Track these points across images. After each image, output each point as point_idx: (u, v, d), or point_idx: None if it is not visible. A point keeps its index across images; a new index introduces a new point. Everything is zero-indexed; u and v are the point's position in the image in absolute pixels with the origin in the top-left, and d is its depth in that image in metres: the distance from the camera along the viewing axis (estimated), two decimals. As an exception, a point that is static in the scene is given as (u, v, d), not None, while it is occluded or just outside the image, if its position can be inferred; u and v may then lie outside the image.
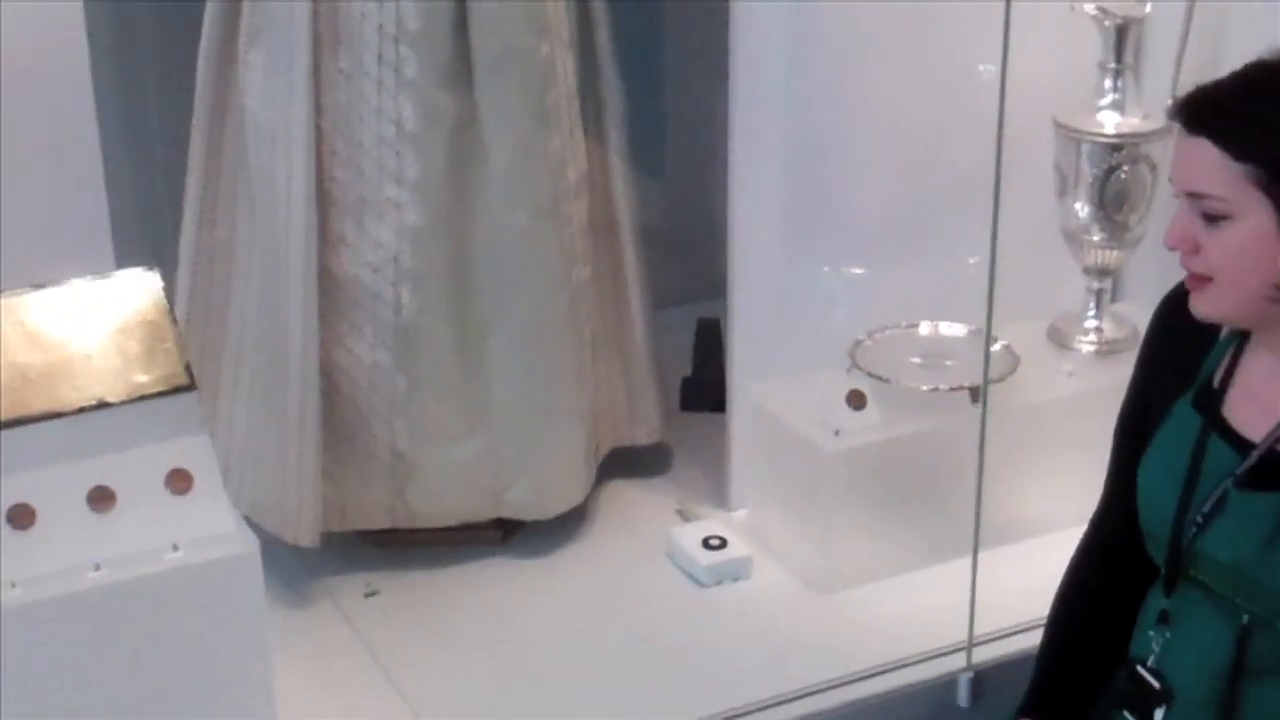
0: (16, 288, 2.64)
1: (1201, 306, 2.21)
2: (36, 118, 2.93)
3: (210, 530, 2.56)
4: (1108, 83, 3.23)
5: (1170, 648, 2.29)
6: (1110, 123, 3.22)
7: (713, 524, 3.32)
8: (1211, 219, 2.15)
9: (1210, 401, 2.26)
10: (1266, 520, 2.17)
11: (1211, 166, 2.14)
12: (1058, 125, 3.25)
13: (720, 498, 3.42)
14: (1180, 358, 2.32)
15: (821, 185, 3.32)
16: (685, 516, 3.38)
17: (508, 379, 3.16)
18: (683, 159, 4.06)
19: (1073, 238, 3.30)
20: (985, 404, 2.94)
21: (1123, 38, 3.20)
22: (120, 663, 2.50)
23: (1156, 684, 2.29)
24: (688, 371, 3.77)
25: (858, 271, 3.38)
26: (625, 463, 3.49)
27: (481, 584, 3.23)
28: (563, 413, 3.22)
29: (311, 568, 3.21)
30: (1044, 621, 2.47)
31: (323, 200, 3.03)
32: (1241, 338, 2.27)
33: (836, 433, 3.12)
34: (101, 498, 2.53)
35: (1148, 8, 3.23)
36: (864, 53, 3.27)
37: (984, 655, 2.94)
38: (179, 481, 2.57)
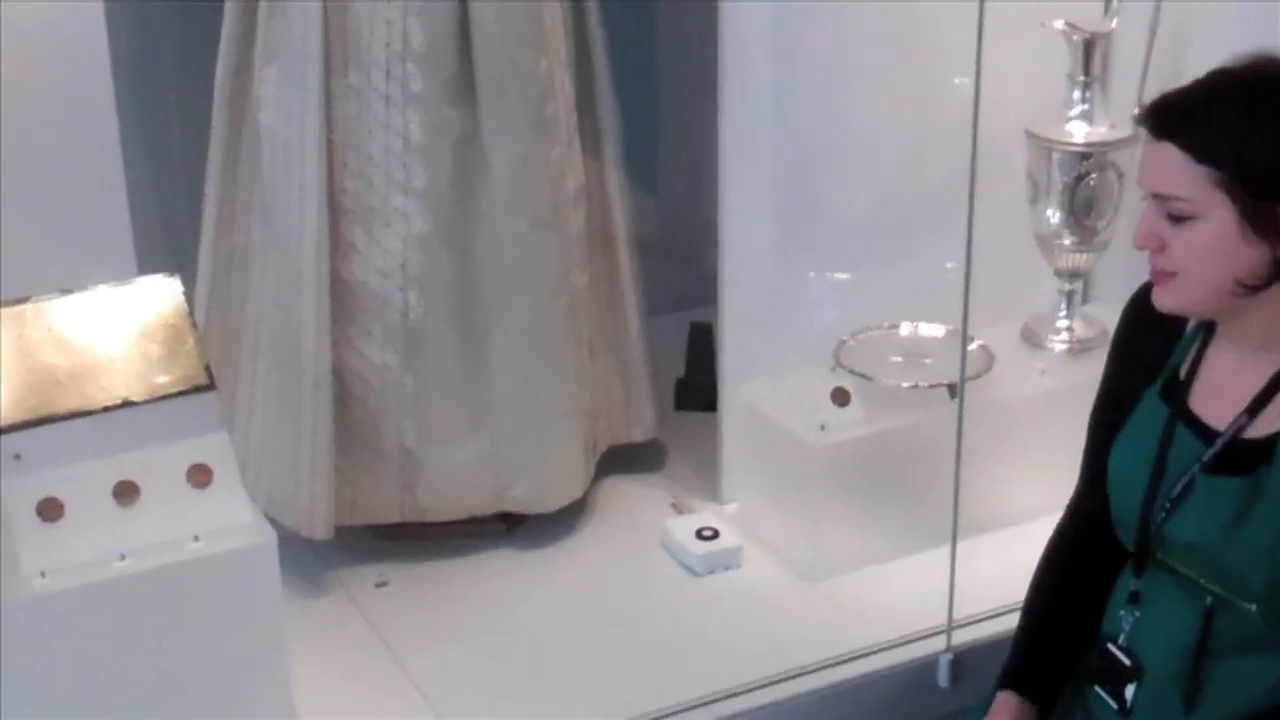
0: (45, 294, 2.63)
1: (1165, 299, 2.21)
2: (63, 134, 2.94)
3: (229, 522, 2.56)
4: (1076, 95, 3.23)
5: (1140, 627, 2.29)
6: (1079, 132, 3.22)
7: (705, 516, 3.32)
8: (1177, 219, 2.16)
9: (1177, 392, 2.26)
10: (1231, 504, 2.17)
11: (1176, 169, 2.14)
12: (1029, 135, 3.25)
13: (712, 491, 3.42)
14: (1148, 351, 2.32)
15: (806, 196, 3.32)
16: (679, 509, 3.38)
17: (510, 379, 3.16)
18: (675, 171, 4.06)
19: (1045, 242, 3.30)
20: (962, 400, 2.94)
21: (1090, 52, 3.20)
22: (144, 647, 2.49)
23: (1127, 661, 2.29)
24: (681, 373, 3.76)
25: (841, 276, 3.37)
26: (622, 459, 3.49)
27: (487, 575, 3.23)
28: (563, 412, 3.22)
29: (325, 560, 3.21)
30: (1020, 606, 2.46)
31: (334, 209, 3.03)
32: (1206, 332, 2.27)
33: (822, 428, 3.12)
34: (126, 491, 2.52)
35: (1114, 23, 3.23)
36: (846, 70, 3.27)
37: (963, 638, 2.94)
38: (199, 476, 2.56)
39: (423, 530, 3.26)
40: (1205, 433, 2.22)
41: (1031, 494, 3.10)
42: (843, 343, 3.25)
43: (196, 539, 2.52)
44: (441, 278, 3.09)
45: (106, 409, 2.55)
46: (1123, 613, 2.30)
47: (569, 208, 3.17)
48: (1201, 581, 2.22)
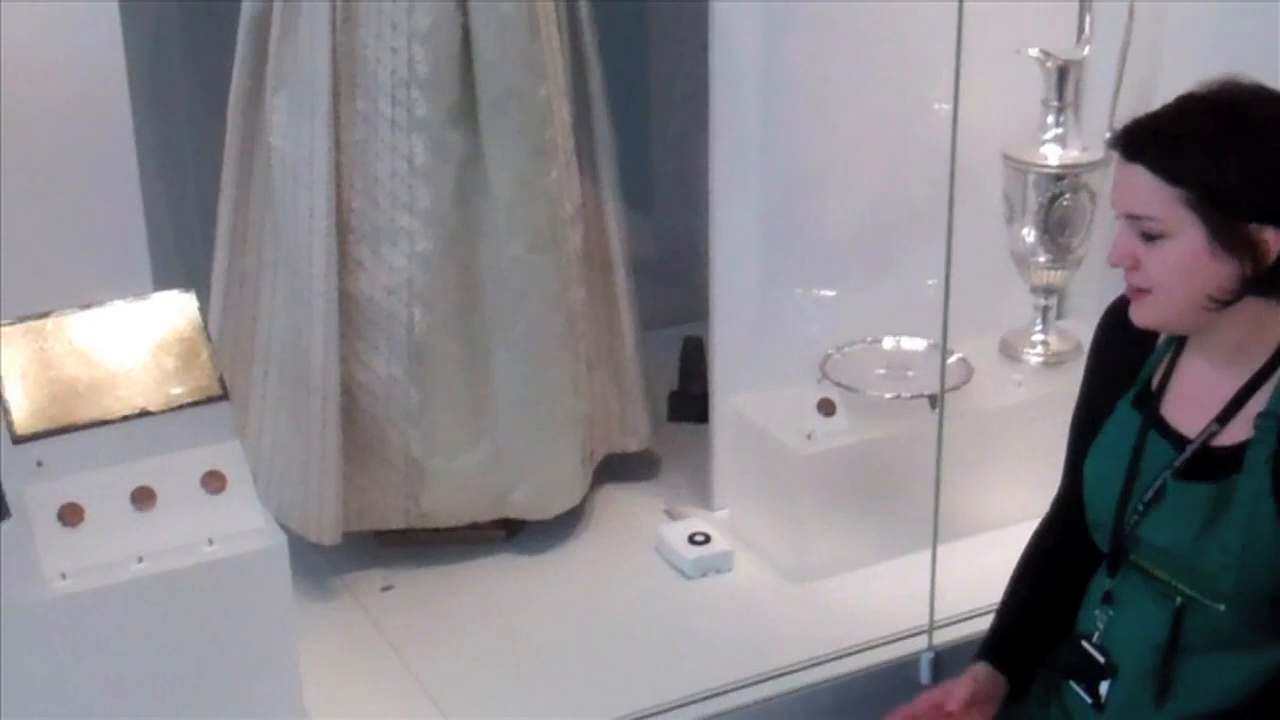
0: (65, 309, 2.63)
1: (1141, 315, 2.21)
2: (82, 157, 2.93)
3: (242, 526, 2.55)
4: (1051, 119, 3.23)
5: (1114, 625, 2.29)
6: (1053, 155, 3.23)
7: (697, 522, 3.31)
8: (1149, 238, 2.16)
9: (1149, 401, 2.27)
10: (1201, 509, 2.17)
11: (1148, 190, 2.15)
12: (1006, 158, 3.26)
13: (704, 498, 3.42)
14: (1122, 362, 2.32)
15: (793, 217, 3.32)
16: (672, 515, 3.38)
17: (511, 391, 3.16)
18: (668, 194, 4.07)
19: (1020, 260, 3.31)
20: (942, 411, 2.94)
21: (1064, 78, 3.21)
22: (160, 646, 2.49)
23: (1102, 658, 2.29)
24: (674, 385, 3.76)
25: (826, 293, 3.38)
26: (618, 468, 3.49)
27: (488, 578, 3.22)
28: (561, 422, 3.22)
29: (333, 565, 3.20)
30: (996, 608, 2.47)
31: (342, 229, 3.03)
32: (1178, 344, 2.28)
33: (809, 438, 3.12)
34: (143, 497, 2.52)
35: (1086, 51, 3.24)
36: (830, 99, 3.27)
37: (943, 637, 2.93)
38: (213, 482, 2.56)
39: (427, 536, 3.26)
40: (1177, 440, 2.22)
41: (1009, 500, 3.10)
42: (828, 356, 3.25)
43: (211, 543, 2.52)
44: (445, 294, 3.09)
45: (125, 418, 2.55)
46: (1097, 612, 2.31)
47: (567, 228, 3.18)
48: (1172, 582, 2.23)
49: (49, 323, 2.61)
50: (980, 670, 2.37)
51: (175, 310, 2.68)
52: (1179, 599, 2.22)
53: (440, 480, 3.18)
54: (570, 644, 3.02)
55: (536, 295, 3.13)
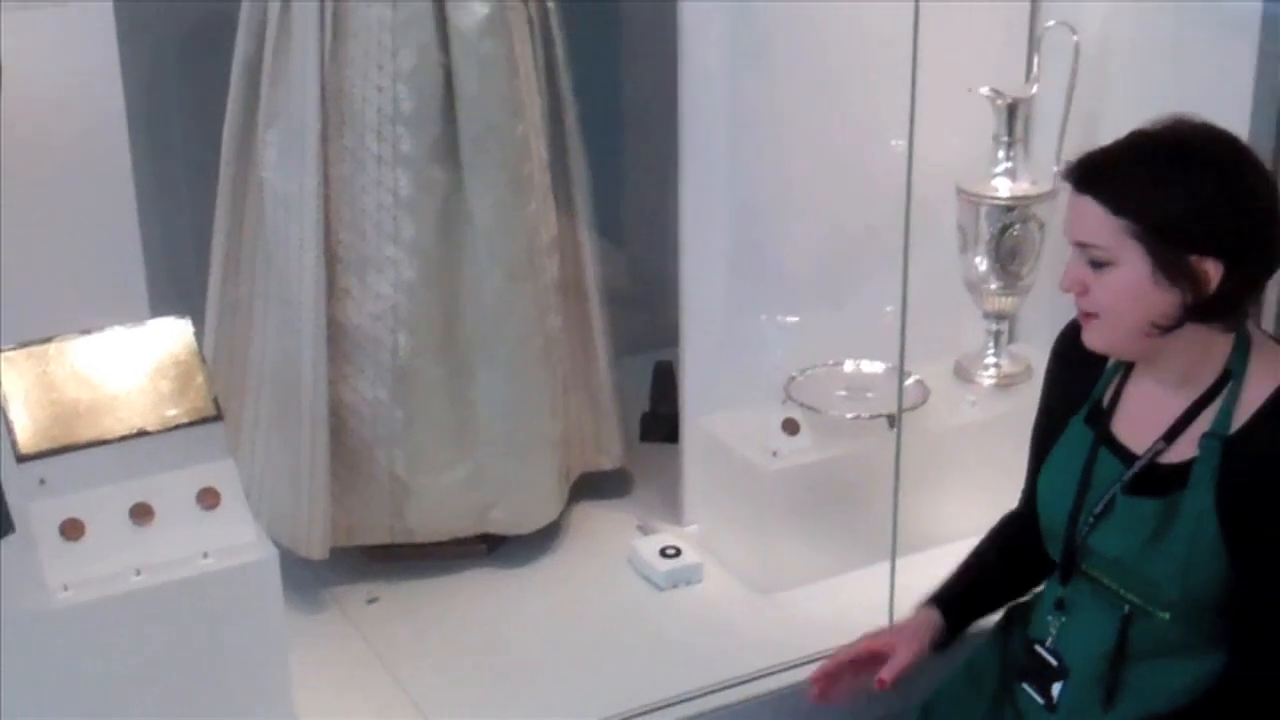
0: (66, 334, 2.61)
1: (1091, 339, 2.23)
2: (80, 189, 2.91)
3: (235, 540, 2.53)
4: (1001, 154, 3.23)
5: (1065, 631, 2.30)
6: (1004, 188, 3.23)
7: (668, 536, 3.30)
8: (1098, 265, 2.17)
9: (1100, 419, 2.28)
10: (1148, 522, 2.18)
11: (1096, 221, 2.16)
12: (959, 191, 3.26)
13: (675, 514, 3.40)
14: (1074, 382, 2.34)
15: (758, 247, 3.32)
16: (645, 530, 3.37)
17: (491, 413, 3.14)
18: (640, 226, 4.06)
19: (973, 287, 3.31)
20: (900, 430, 2.95)
21: (1013, 115, 3.21)
22: (158, 654, 2.46)
23: (1054, 662, 2.29)
24: (646, 407, 3.75)
25: (791, 319, 3.37)
26: (593, 486, 3.47)
27: (469, 591, 3.20)
28: (539, 442, 3.20)
29: (321, 578, 3.18)
30: (957, 567, 2.58)
31: (330, 258, 3.01)
32: (1127, 364, 2.29)
33: (774, 455, 3.11)
34: (141, 513, 2.50)
35: (1034, 90, 3.25)
36: (794, 133, 3.27)
37: (902, 645, 2.93)
38: (208, 498, 2.54)
39: (411, 551, 3.24)
40: (1126, 456, 2.23)
41: (963, 515, 3.08)
42: (792, 378, 3.25)
43: (205, 556, 2.50)
44: (428, 320, 3.07)
45: (123, 438, 2.53)
46: (1050, 617, 2.31)
47: (544, 258, 3.17)
48: (1121, 591, 2.23)
49: (51, 348, 2.59)
50: (929, 612, 2.47)
51: (171, 336, 2.66)
52: (1127, 607, 2.23)
53: (424, 498, 3.16)
54: (548, 652, 3.00)
55: (515, 322, 3.11)
